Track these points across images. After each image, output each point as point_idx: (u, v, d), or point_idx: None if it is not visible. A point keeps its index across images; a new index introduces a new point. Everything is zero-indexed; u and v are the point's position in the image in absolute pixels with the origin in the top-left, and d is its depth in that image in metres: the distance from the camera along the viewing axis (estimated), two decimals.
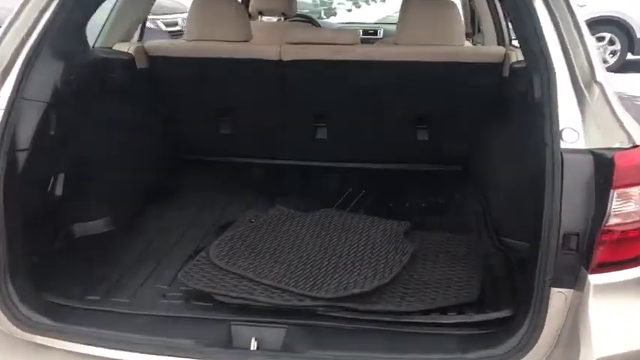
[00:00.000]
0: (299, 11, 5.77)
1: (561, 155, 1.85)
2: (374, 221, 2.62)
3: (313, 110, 3.35)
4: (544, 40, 2.04)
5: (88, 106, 2.65)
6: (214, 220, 2.88)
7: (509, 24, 3.66)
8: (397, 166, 3.48)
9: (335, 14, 8.59)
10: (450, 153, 3.42)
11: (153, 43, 3.27)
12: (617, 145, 1.86)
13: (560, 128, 1.91)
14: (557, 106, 1.93)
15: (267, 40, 3.58)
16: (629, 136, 1.86)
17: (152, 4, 3.58)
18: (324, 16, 7.63)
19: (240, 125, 3.45)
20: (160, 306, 2.14)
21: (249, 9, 4.75)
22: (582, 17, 2.12)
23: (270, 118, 3.40)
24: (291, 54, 3.13)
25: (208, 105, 3.40)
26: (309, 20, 5.54)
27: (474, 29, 5.07)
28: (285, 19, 5.54)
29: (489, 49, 3.16)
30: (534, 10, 2.10)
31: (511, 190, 2.52)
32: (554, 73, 1.97)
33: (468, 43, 4.43)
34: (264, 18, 5.34)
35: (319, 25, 5.46)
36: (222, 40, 3.20)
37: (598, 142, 1.90)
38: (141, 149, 3.04)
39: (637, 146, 1.85)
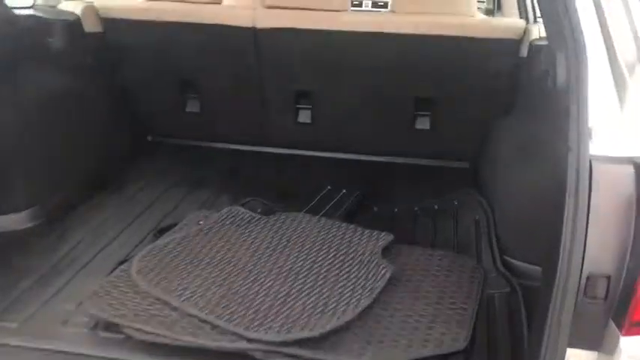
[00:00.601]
0: None
1: (590, 164, 1.33)
2: (347, 231, 2.11)
3: (295, 88, 2.83)
4: (573, 5, 1.50)
5: (6, 75, 2.17)
6: (163, 217, 2.39)
7: None
8: (390, 159, 2.95)
9: None
10: (454, 146, 2.88)
11: (104, 3, 2.75)
12: None
13: (590, 126, 1.39)
14: (586, 96, 1.41)
15: (243, 3, 3.05)
16: None
17: None
18: None
19: (208, 103, 2.95)
20: (55, 336, 1.65)
21: None
22: None
23: (244, 96, 2.89)
24: (266, 20, 2.61)
25: (171, 78, 2.89)
26: None
27: (495, 5, 4.49)
28: None
29: (505, 23, 2.60)
30: None
31: (523, 201, 1.99)
32: (585, 49, 1.44)
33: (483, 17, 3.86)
34: None
35: None
36: (186, 1, 2.68)
37: None
38: (85, 128, 2.57)
39: None
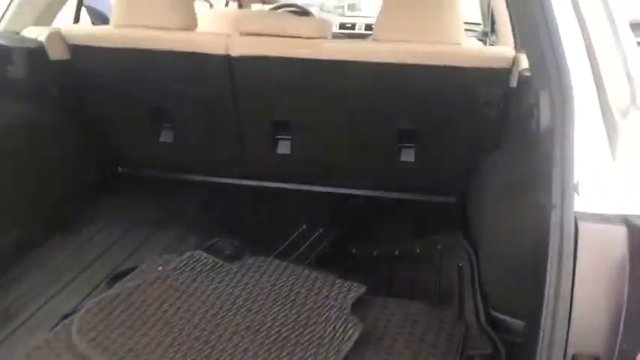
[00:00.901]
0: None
1: (575, 223, 1.16)
2: (317, 281, 1.92)
3: (273, 118, 2.67)
4: (558, 37, 1.35)
5: None
6: (126, 257, 2.22)
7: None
8: (374, 192, 2.78)
9: (360, 9, 7.81)
10: (441, 180, 2.71)
11: (71, 29, 2.60)
12: None
13: (577, 178, 1.22)
14: (573, 143, 1.24)
15: (218, 30, 2.89)
16: None
17: None
18: (349, 12, 6.84)
19: (182, 133, 2.79)
20: None
21: None
22: (621, 11, 1.41)
23: (220, 126, 2.73)
24: (240, 48, 2.45)
25: (143, 107, 2.73)
26: (301, 11, 4.83)
27: (492, 28, 4.32)
28: (275, 9, 4.86)
29: (493, 51, 2.44)
30: None
31: (508, 249, 1.80)
32: (572, 88, 1.28)
33: (477, 43, 3.70)
34: (255, 6, 4.62)
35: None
36: (157, 28, 2.53)
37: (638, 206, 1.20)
38: (46, 162, 2.41)
39: None
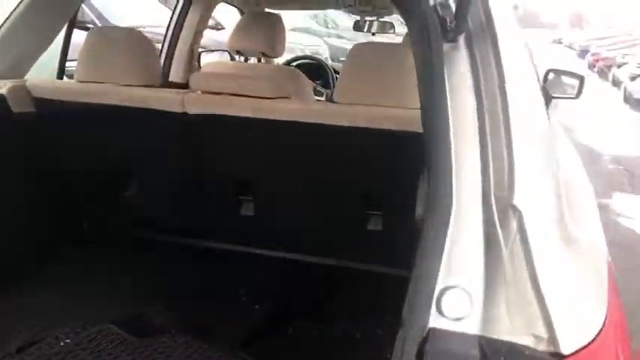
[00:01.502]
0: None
1: (422, 342, 0.98)
2: None
3: (235, 178, 2.56)
4: (446, 116, 1.18)
5: None
6: (42, 328, 2.09)
7: None
8: (336, 262, 2.59)
9: None
10: (409, 252, 2.50)
11: (36, 82, 2.58)
12: (522, 342, 0.97)
13: (443, 286, 1.03)
14: (441, 247, 1.06)
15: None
16: (550, 329, 0.96)
17: (62, 27, 2.86)
18: None
19: (147, 190, 2.70)
20: None
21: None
22: (516, 83, 1.21)
23: (182, 185, 2.64)
24: (197, 105, 2.36)
25: (109, 163, 2.67)
26: (315, 63, 4.73)
27: None
28: (290, 62, 4.79)
29: None
30: (439, 58, 1.24)
31: None
32: (451, 188, 1.10)
33: None
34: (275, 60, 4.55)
35: (326, 69, 4.63)
36: (119, 84, 2.48)
37: (501, 327, 1.00)
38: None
39: (558, 356, 0.93)
